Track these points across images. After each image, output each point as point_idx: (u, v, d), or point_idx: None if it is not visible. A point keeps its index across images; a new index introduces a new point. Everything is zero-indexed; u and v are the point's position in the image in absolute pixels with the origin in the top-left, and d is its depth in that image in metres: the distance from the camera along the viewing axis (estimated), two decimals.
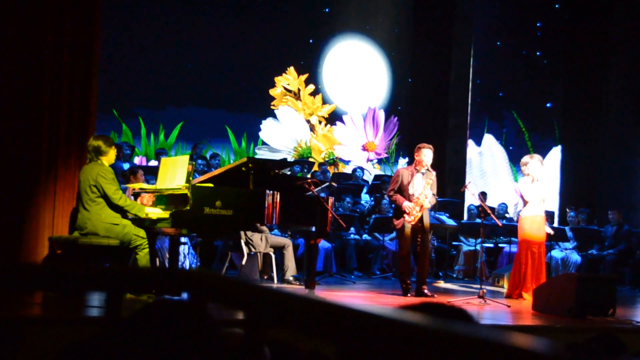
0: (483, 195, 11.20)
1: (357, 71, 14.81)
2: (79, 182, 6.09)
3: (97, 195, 5.95)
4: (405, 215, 7.50)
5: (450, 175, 14.01)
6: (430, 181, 7.52)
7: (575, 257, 11.17)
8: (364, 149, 14.63)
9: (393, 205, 8.16)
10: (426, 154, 7.62)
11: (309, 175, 11.48)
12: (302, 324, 1.13)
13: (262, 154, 13.76)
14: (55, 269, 1.79)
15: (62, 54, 6.55)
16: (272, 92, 13.94)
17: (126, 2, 12.68)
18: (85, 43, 6.70)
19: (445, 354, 0.84)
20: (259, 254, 8.06)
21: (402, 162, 14.55)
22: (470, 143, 14.80)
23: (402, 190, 7.59)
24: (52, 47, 6.51)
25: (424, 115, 14.73)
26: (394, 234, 10.77)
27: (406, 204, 7.49)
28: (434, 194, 7.69)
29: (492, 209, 10.95)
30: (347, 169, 13.87)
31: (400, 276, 7.80)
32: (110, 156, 6.14)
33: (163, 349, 1.41)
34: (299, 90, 14.10)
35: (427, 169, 7.61)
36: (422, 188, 7.53)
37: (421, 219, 7.55)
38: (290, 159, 13.66)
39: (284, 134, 14.05)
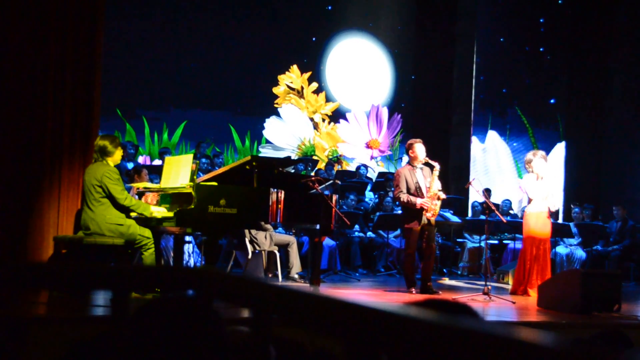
0: (487, 192, 11.19)
1: (360, 69, 14.80)
2: (83, 181, 6.09)
3: (102, 195, 5.94)
4: (424, 212, 7.50)
5: (454, 172, 13.99)
6: (437, 173, 7.55)
7: (580, 253, 11.16)
8: (368, 146, 14.62)
9: (397, 204, 8.14)
10: (420, 149, 7.67)
11: (312, 173, 11.48)
12: (309, 320, 1.13)
13: (265, 152, 13.76)
14: (60, 268, 1.79)
15: (65, 55, 6.56)
16: (275, 90, 13.94)
17: (128, 2, 12.68)
18: (88, 45, 6.71)
19: (451, 349, 0.84)
20: (263, 252, 8.06)
21: (406, 159, 14.53)
22: (474, 139, 14.78)
23: (409, 189, 7.59)
24: (56, 48, 6.52)
25: (427, 112, 14.72)
26: (398, 231, 10.77)
27: (421, 201, 7.48)
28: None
29: (497, 205, 10.93)
30: (351, 167, 13.87)
31: (405, 273, 7.80)
32: (116, 157, 6.12)
33: (168, 347, 1.42)
34: (302, 88, 14.09)
35: (427, 163, 7.64)
36: (428, 183, 7.57)
37: None
38: (294, 157, 13.66)
39: (287, 132, 14.05)
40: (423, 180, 7.63)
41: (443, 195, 7.64)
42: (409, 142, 7.85)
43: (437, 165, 7.56)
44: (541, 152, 8.31)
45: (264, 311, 1.31)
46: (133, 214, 6.10)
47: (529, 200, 8.11)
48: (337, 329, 1.07)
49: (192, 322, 1.42)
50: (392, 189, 9.08)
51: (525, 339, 0.79)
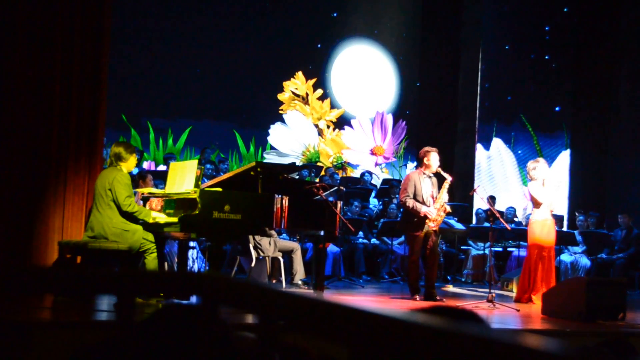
0: (492, 199, 11.17)
1: (365, 75, 14.81)
2: (95, 186, 6.11)
3: (111, 199, 5.96)
4: (427, 221, 7.48)
5: (459, 180, 13.95)
6: (447, 185, 7.54)
7: (585, 261, 11.13)
8: (372, 153, 14.62)
9: (402, 210, 8.12)
10: (434, 158, 7.65)
11: (317, 180, 11.48)
12: (313, 326, 1.13)
13: (270, 158, 13.77)
14: (65, 272, 1.79)
15: (72, 61, 6.59)
16: (280, 96, 13.96)
17: (133, 9, 12.71)
18: (95, 51, 6.73)
19: (458, 356, 0.84)
20: (267, 258, 8.06)
21: (411, 166, 14.52)
22: (479, 147, 14.76)
23: (415, 195, 7.57)
24: (62, 54, 6.55)
25: (432, 119, 14.71)
26: (402, 238, 10.75)
27: (426, 210, 7.46)
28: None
29: (501, 212, 10.92)
30: (356, 173, 13.86)
31: (410, 280, 7.79)
32: (129, 163, 6.15)
33: (174, 353, 1.42)
34: (307, 94, 14.11)
35: (438, 173, 7.63)
36: (435, 193, 7.56)
37: None
38: (298, 163, 13.66)
39: (292, 138, 14.05)
40: (430, 189, 7.61)
41: (448, 209, 7.63)
42: (425, 149, 7.78)
43: (448, 178, 7.54)
44: (542, 159, 8.37)
45: (268, 317, 1.31)
46: (142, 221, 6.11)
47: (538, 206, 8.08)
48: (341, 335, 1.07)
49: (198, 329, 1.42)
50: (398, 194, 9.06)
51: (532, 346, 0.79)
